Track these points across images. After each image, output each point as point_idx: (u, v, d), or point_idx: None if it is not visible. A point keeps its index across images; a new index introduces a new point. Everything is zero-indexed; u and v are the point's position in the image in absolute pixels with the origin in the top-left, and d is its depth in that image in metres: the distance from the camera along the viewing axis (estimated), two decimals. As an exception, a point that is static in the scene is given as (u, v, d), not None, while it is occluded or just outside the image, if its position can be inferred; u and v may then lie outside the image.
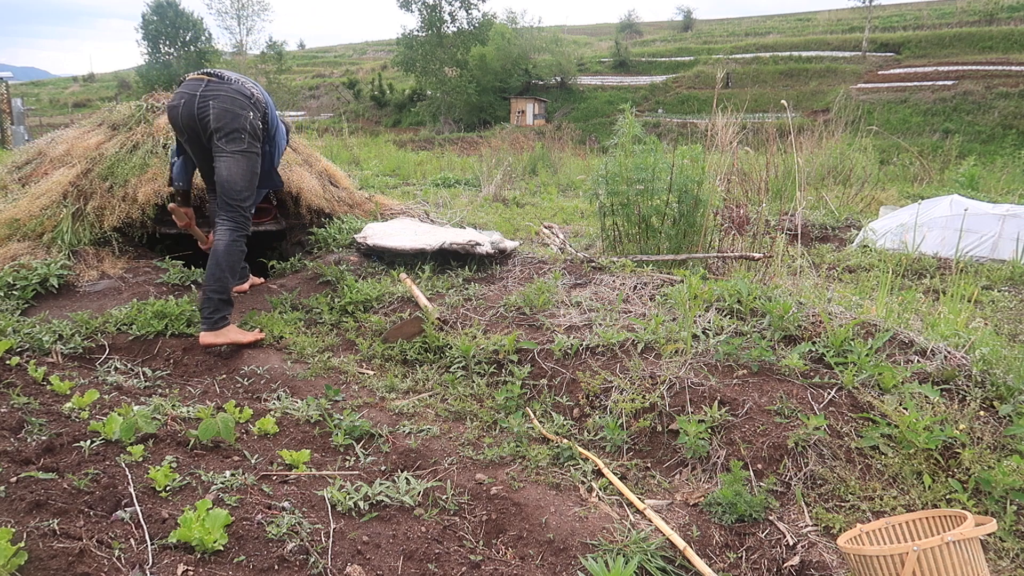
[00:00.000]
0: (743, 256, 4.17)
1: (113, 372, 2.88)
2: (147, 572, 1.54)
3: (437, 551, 1.80)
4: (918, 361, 2.62)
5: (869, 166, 9.62)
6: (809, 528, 2.01)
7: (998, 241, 5.56)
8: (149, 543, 1.63)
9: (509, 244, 4.19)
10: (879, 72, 37.17)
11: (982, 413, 2.35)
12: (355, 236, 4.35)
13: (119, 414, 2.22)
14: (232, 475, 2.01)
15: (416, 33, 41.92)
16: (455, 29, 41.75)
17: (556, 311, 3.29)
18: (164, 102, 4.83)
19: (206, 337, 3.10)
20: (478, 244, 3.99)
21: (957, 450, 2.19)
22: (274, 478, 2.07)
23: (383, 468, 2.22)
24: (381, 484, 2.06)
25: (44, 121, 28.36)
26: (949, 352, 2.64)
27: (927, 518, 1.84)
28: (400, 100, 46.10)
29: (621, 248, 4.49)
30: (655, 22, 76.89)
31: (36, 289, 3.61)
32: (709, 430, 2.34)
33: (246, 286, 3.97)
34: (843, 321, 2.84)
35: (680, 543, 1.88)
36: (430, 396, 2.84)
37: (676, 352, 2.76)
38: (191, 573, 1.56)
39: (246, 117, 3.18)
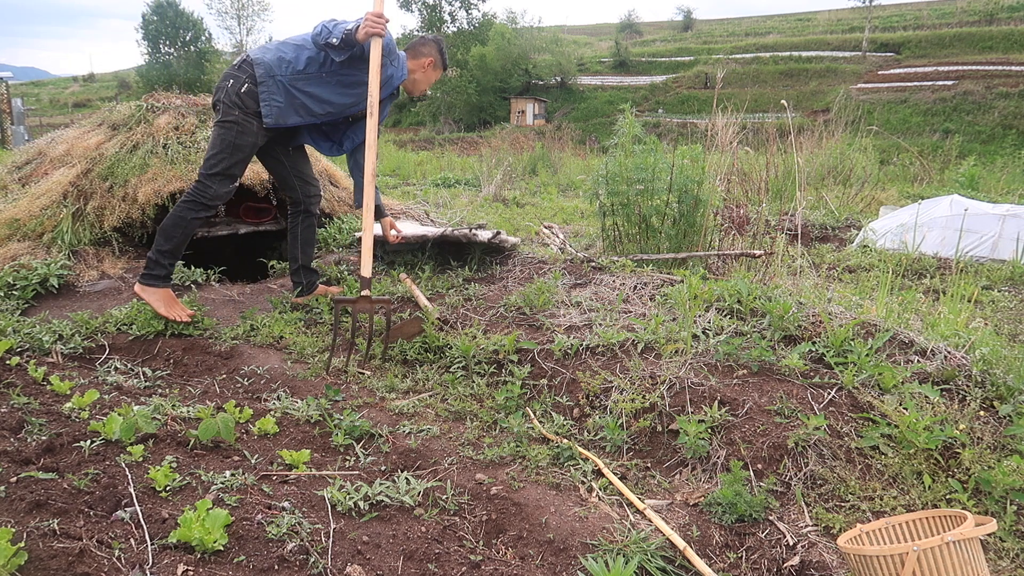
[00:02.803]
0: (743, 254, 4.18)
1: (113, 372, 2.88)
2: (147, 572, 1.54)
3: (437, 551, 1.80)
4: (918, 361, 2.62)
5: (869, 166, 9.62)
6: (809, 528, 2.01)
7: (998, 241, 5.56)
8: (149, 543, 1.63)
9: (510, 239, 4.20)
10: (879, 72, 37.18)
11: (982, 413, 2.35)
12: (356, 234, 4.35)
13: (119, 414, 2.22)
14: (232, 475, 2.01)
15: (416, 33, 41.93)
16: (455, 29, 41.79)
17: (556, 311, 3.29)
18: (163, 102, 4.83)
19: (136, 286, 3.26)
20: (478, 232, 4.00)
21: (957, 450, 2.19)
22: (274, 478, 2.07)
23: (383, 468, 2.22)
24: (381, 484, 2.06)
25: (44, 121, 28.36)
26: (949, 352, 2.64)
27: (927, 518, 1.84)
28: (400, 100, 46.00)
29: (621, 248, 4.49)
30: (655, 22, 76.89)
31: (36, 289, 3.61)
32: (709, 430, 2.34)
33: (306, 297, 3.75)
34: (843, 321, 2.84)
35: (680, 543, 1.88)
36: (430, 396, 2.84)
37: (676, 352, 2.76)
38: (191, 573, 1.56)
39: (223, 88, 3.23)
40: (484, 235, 3.98)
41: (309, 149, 3.79)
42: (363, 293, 3.09)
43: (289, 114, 3.27)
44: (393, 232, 3.76)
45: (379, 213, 3.71)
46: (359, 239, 4.28)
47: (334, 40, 3.07)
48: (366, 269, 3.12)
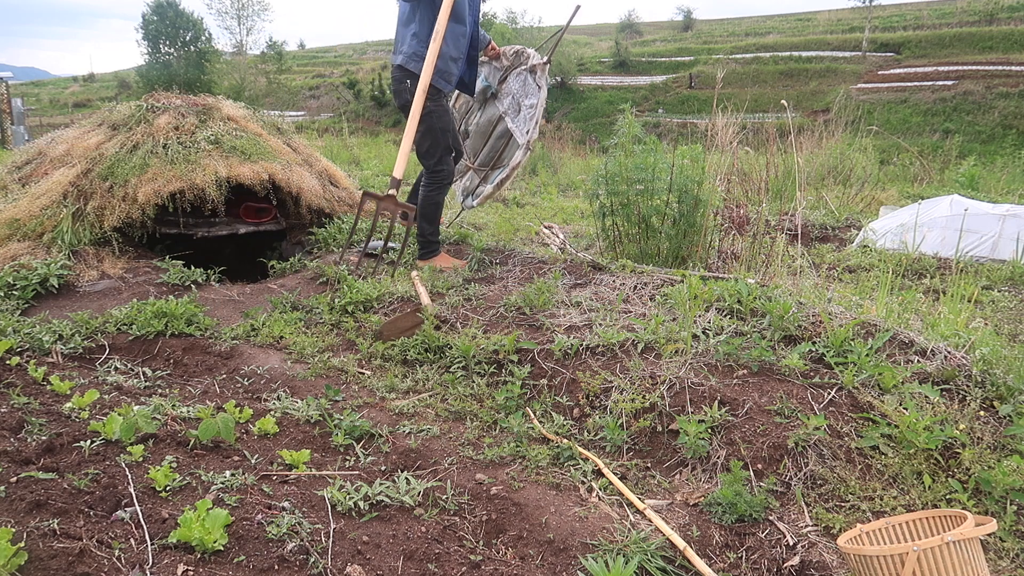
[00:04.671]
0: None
1: (113, 372, 2.88)
2: (147, 572, 1.54)
3: (437, 551, 1.80)
4: (918, 361, 2.62)
5: (869, 166, 9.61)
6: (809, 528, 2.01)
7: (998, 241, 5.55)
8: (149, 543, 1.63)
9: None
10: (879, 72, 37.16)
11: (982, 413, 2.35)
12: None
13: (119, 414, 2.22)
14: (232, 475, 2.01)
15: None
16: (455, 29, 41.70)
17: (556, 311, 3.29)
18: (163, 102, 4.83)
19: (418, 262, 4.02)
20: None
21: (957, 450, 2.19)
22: (274, 478, 2.07)
23: (383, 468, 2.22)
24: (381, 484, 2.06)
25: (44, 121, 28.33)
26: (949, 352, 2.64)
27: (927, 518, 1.84)
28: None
29: (621, 248, 4.49)
30: (655, 22, 76.79)
31: (36, 289, 3.61)
32: (709, 430, 2.34)
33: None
34: (843, 321, 2.84)
35: (680, 543, 1.88)
36: (430, 396, 2.84)
37: (676, 352, 2.76)
38: (191, 573, 1.57)
39: (406, 89, 3.80)
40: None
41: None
42: (390, 192, 3.41)
43: (451, 67, 3.80)
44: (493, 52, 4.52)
45: (488, 47, 4.41)
46: (354, 238, 4.28)
47: None
48: (399, 171, 3.52)
